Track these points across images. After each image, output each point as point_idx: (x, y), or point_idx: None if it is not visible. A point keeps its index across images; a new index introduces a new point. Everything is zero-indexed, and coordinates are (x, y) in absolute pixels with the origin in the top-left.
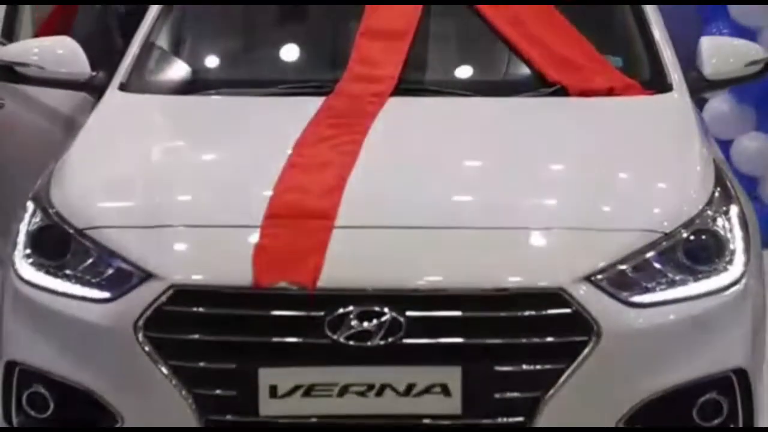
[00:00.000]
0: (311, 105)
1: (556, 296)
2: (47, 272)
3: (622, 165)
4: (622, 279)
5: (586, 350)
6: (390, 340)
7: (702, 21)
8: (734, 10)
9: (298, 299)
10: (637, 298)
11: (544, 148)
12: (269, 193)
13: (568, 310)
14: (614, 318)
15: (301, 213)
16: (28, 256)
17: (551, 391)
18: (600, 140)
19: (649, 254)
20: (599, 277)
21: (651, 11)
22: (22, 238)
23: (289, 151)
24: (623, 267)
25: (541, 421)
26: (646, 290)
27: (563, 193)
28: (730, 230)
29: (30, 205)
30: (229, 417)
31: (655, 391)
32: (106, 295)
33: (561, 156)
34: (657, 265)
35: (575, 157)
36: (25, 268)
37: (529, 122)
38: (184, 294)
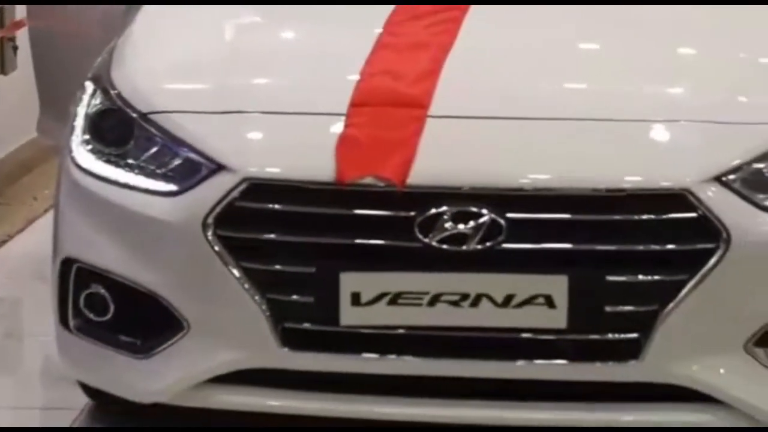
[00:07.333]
0: None
1: (680, 198)
2: (107, 161)
3: (762, 52)
4: (758, 180)
5: (713, 260)
6: (488, 244)
7: None
8: None
9: (385, 197)
10: None
11: (669, 32)
12: (356, 77)
13: (693, 215)
14: (747, 224)
15: (391, 100)
16: (86, 142)
17: (670, 306)
18: (737, 25)
19: None
20: (731, 177)
21: None
22: (80, 122)
23: (379, 30)
24: (760, 166)
25: (658, 339)
26: None
27: (691, 80)
28: None
29: (89, 86)
30: (306, 325)
31: None
32: (171, 187)
33: (689, 41)
34: None
35: (707, 41)
36: (84, 156)
37: (653, 5)
38: (258, 188)
